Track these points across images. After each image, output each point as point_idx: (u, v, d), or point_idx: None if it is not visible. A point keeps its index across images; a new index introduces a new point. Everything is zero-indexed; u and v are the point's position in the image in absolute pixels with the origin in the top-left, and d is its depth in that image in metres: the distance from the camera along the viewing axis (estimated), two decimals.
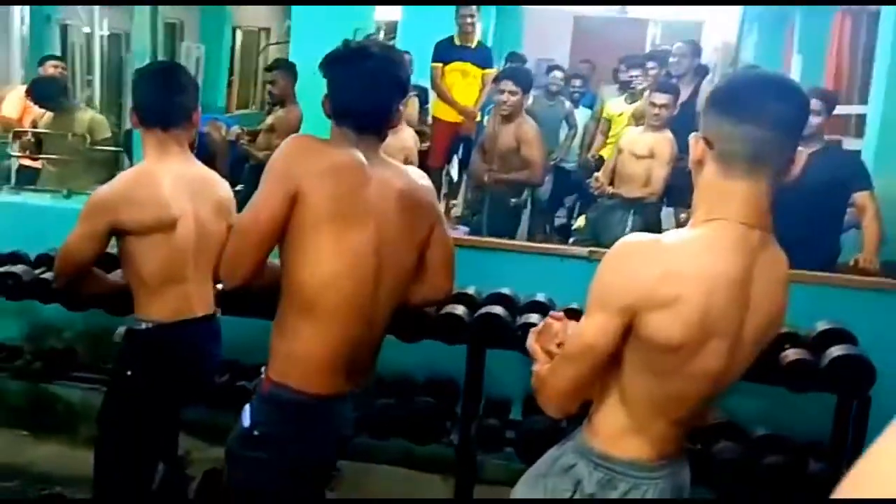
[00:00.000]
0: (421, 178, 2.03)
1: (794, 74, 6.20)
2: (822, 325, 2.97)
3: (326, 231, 1.81)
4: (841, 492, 0.60)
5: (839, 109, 5.61)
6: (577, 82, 6.71)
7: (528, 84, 4.81)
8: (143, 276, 2.38)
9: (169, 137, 2.41)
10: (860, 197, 3.85)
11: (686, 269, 1.47)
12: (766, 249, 1.53)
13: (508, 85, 4.60)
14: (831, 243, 3.91)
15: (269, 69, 5.18)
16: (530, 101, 5.56)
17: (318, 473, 2.08)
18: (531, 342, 1.71)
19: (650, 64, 5.75)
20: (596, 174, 4.75)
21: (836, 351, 2.78)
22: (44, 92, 4.97)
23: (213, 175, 2.57)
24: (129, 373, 2.45)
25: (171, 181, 2.38)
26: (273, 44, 9.56)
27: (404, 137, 4.49)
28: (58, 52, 7.34)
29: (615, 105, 5.98)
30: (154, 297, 2.40)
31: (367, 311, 1.90)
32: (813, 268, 3.36)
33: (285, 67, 4.93)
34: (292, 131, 4.72)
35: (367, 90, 1.89)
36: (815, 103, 3.88)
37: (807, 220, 3.82)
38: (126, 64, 8.07)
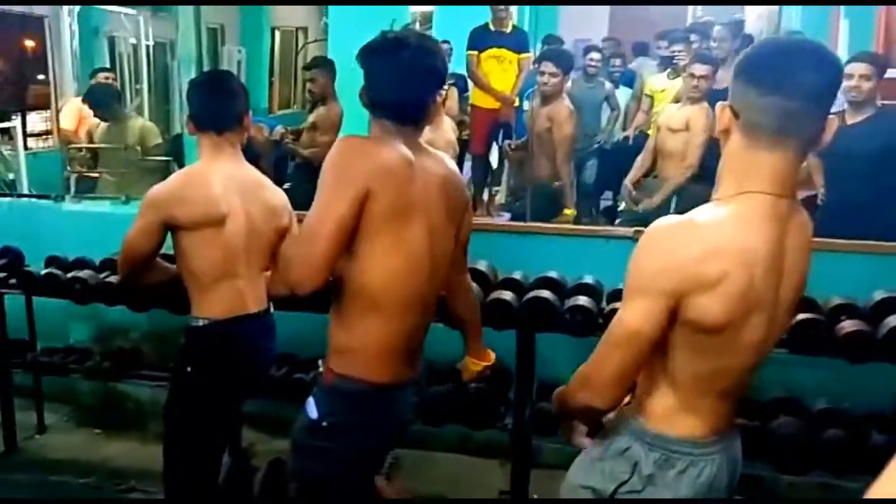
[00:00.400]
0: (452, 165, 2.09)
1: (842, 39, 6.04)
2: (879, 295, 2.91)
3: (387, 230, 1.85)
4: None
5: (892, 73, 5.47)
6: (617, 62, 6.64)
7: (568, 65, 4.79)
8: (196, 271, 2.48)
9: (222, 140, 2.53)
10: None
11: (725, 246, 1.44)
12: (793, 217, 1.52)
13: (549, 66, 4.61)
14: (891, 212, 3.81)
15: (307, 68, 5.23)
16: (569, 83, 5.55)
17: (379, 459, 2.16)
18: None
19: (693, 37, 5.66)
20: (625, 183, 4.71)
21: (893, 321, 2.73)
22: (99, 99, 5.14)
23: (265, 179, 2.67)
24: (188, 369, 2.54)
25: (221, 180, 2.48)
26: (311, 42, 9.66)
27: (445, 129, 4.52)
28: (107, 64, 7.56)
29: (658, 81, 5.91)
30: (208, 293, 2.49)
31: (424, 301, 1.98)
32: (875, 237, 3.29)
33: (323, 65, 4.99)
34: (335, 128, 4.79)
35: (405, 81, 1.89)
36: (864, 67, 3.80)
37: (864, 187, 3.75)
38: (171, 71, 8.25)
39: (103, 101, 5.12)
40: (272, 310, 2.66)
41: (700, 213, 1.51)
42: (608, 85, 5.92)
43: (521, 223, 3.90)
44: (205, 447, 2.58)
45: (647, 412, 1.63)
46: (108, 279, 3.53)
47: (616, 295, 2.92)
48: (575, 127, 4.80)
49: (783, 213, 1.48)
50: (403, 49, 1.88)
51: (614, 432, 1.68)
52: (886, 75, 4.36)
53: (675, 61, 5.64)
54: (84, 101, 5.26)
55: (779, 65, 1.44)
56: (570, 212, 4.73)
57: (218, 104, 2.55)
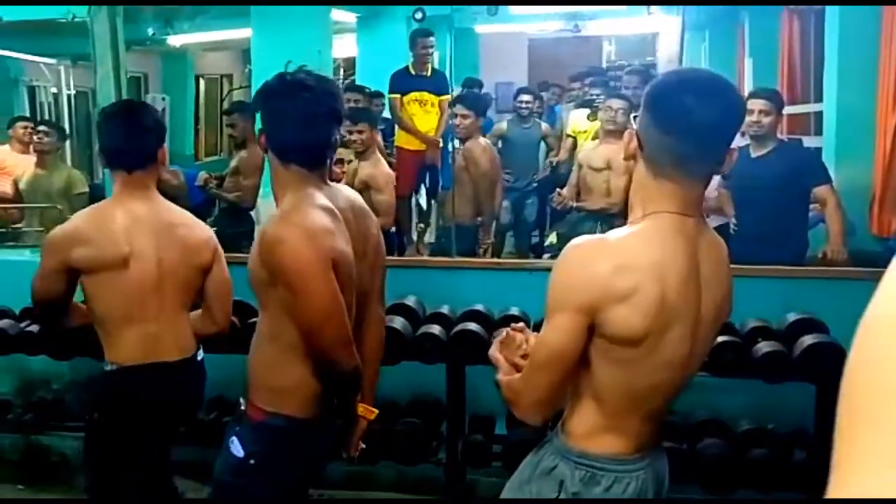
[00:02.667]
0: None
1: (747, 77, 6.36)
2: (792, 317, 3.04)
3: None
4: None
5: (797, 108, 5.78)
6: (536, 103, 6.81)
7: (480, 107, 5.03)
8: (101, 315, 2.39)
9: (133, 179, 2.42)
10: (820, 191, 3.95)
11: (634, 260, 1.51)
12: (703, 234, 1.61)
13: (461, 109, 4.89)
14: (798, 238, 4.00)
15: (226, 112, 5.26)
16: (504, 125, 5.74)
17: (303, 496, 2.17)
18: (493, 352, 1.74)
19: (615, 80, 5.91)
20: (558, 189, 4.84)
21: (807, 340, 2.85)
22: (52, 125, 5.32)
23: (184, 216, 2.55)
24: (95, 415, 2.47)
25: (126, 219, 2.38)
26: (235, 89, 9.65)
27: (383, 164, 4.62)
28: (27, 113, 7.41)
29: (580, 122, 6.09)
30: (114, 338, 2.40)
31: None
32: (783, 262, 3.45)
33: (243, 109, 5.01)
34: (257, 171, 4.81)
35: (311, 123, 1.90)
36: (763, 103, 4.00)
37: (770, 216, 3.93)
38: (93, 120, 8.11)
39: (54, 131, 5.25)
40: (200, 355, 2.56)
41: (611, 233, 1.61)
42: (544, 125, 6.09)
43: (447, 258, 3.96)
44: (123, 494, 2.49)
45: (572, 430, 1.66)
46: (28, 328, 3.44)
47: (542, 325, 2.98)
48: (491, 163, 4.93)
49: (690, 230, 1.57)
50: (305, 91, 1.89)
51: (542, 451, 1.72)
52: (791, 111, 4.63)
53: (595, 104, 5.84)
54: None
55: (676, 104, 1.50)
56: (486, 246, 4.89)
57: (128, 141, 2.43)
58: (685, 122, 1.48)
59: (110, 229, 2.37)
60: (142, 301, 2.39)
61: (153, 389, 2.42)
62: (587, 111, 6.04)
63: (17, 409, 3.56)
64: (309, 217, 1.86)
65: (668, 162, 1.53)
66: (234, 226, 4.77)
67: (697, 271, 1.57)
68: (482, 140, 4.96)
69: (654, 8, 6.85)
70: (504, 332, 1.80)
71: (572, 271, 1.55)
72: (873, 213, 4.74)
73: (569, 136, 6.12)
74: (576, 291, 1.52)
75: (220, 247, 2.55)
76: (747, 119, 4.05)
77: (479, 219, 4.88)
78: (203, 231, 2.58)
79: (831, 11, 5.03)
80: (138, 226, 2.39)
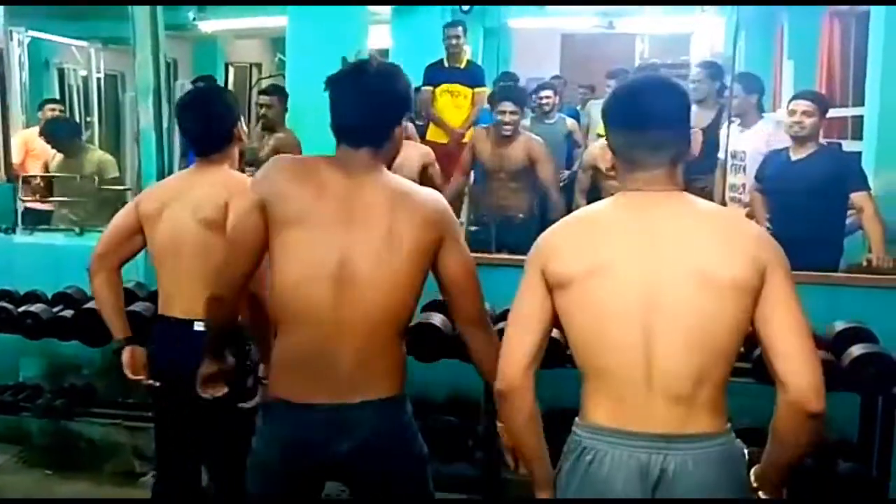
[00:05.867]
0: (420, 193, 1.94)
1: (787, 80, 6.27)
2: (840, 326, 2.97)
3: (279, 241, 1.85)
4: None
5: (836, 112, 5.68)
6: (557, 97, 6.67)
7: (524, 101, 4.86)
8: None
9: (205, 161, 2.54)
10: (857, 197, 3.88)
11: (573, 220, 1.75)
12: (669, 204, 1.65)
13: (508, 105, 4.60)
14: (834, 244, 3.93)
15: (263, 93, 5.15)
16: (527, 121, 5.61)
17: (278, 482, 1.92)
18: None
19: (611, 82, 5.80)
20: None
21: (856, 350, 2.79)
22: (57, 132, 5.05)
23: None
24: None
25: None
26: (264, 78, 9.62)
27: (411, 161, 4.51)
28: (56, 96, 7.41)
29: None
30: None
31: (327, 317, 1.83)
32: (817, 268, 3.38)
33: (279, 92, 4.98)
34: (297, 151, 4.80)
35: (356, 104, 1.87)
36: (806, 105, 3.93)
37: (806, 221, 3.86)
38: (122, 104, 8.12)
39: (60, 134, 5.04)
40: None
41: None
42: (570, 121, 5.97)
43: (486, 254, 3.89)
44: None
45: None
46: (60, 313, 3.43)
47: None
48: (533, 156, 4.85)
49: (645, 200, 1.64)
50: (361, 74, 1.87)
51: None
52: (829, 114, 4.54)
53: None
54: (41, 134, 5.15)
55: (625, 110, 1.69)
56: None
57: (195, 131, 2.55)
58: (637, 119, 1.65)
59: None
60: (159, 262, 2.53)
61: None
62: None
63: (46, 394, 3.55)
64: (277, 158, 1.98)
65: (629, 157, 1.67)
66: None
67: (650, 234, 1.60)
68: (538, 138, 4.79)
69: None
70: None
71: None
72: None
73: (599, 135, 6.04)
74: (532, 253, 1.71)
75: None
76: (789, 119, 4.00)
77: (521, 216, 4.77)
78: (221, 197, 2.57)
79: (877, 13, 4.93)
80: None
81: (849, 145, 5.41)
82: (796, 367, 1.54)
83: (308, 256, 1.81)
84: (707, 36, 7.92)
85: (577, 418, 1.68)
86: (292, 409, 1.86)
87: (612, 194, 4.34)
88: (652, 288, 1.57)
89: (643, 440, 1.57)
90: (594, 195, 4.72)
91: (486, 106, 5.30)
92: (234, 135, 2.54)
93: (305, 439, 1.85)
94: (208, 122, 2.51)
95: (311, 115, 5.26)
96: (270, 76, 9.28)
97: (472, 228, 4.92)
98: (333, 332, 1.82)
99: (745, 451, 1.66)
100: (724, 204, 4.57)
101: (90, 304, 3.16)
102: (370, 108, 1.86)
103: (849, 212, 4.02)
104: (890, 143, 4.78)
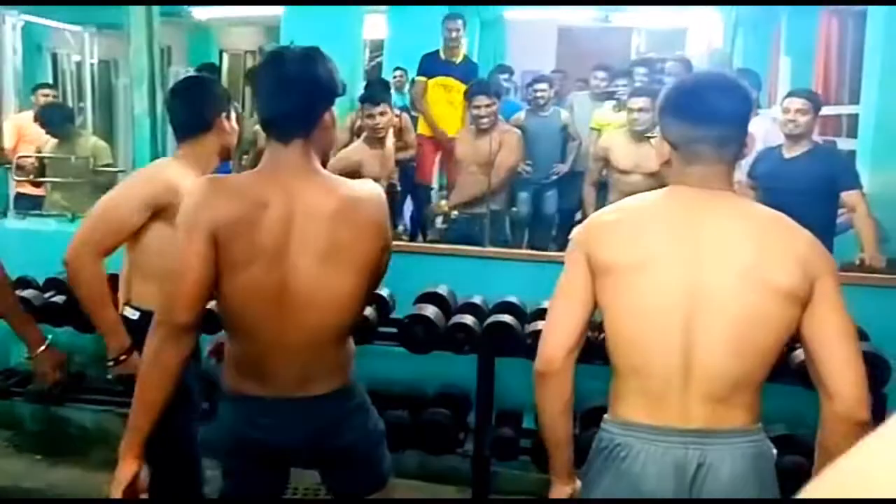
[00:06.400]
0: (353, 191, 1.86)
1: (783, 77, 6.27)
2: None
3: (228, 271, 1.79)
4: (810, 488, 0.61)
5: (831, 110, 5.69)
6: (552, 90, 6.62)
7: (499, 91, 4.85)
8: None
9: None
10: (850, 196, 3.90)
11: (619, 208, 1.72)
12: (717, 203, 1.63)
13: (482, 100, 4.61)
14: (823, 243, 3.94)
15: None
16: (522, 114, 5.60)
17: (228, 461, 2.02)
18: None
19: (640, 71, 5.77)
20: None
21: None
22: (52, 117, 5.02)
23: None
24: None
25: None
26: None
27: (388, 153, 4.48)
28: (50, 81, 7.37)
29: (604, 114, 5.94)
30: None
31: (280, 328, 1.82)
32: None
33: None
34: None
35: (276, 92, 1.81)
36: (801, 103, 3.94)
37: (797, 218, 3.86)
38: (116, 90, 8.08)
39: (56, 120, 5.01)
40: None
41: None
42: (564, 114, 5.93)
43: (478, 248, 3.88)
44: None
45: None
46: (52, 299, 3.42)
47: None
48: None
49: (697, 197, 1.62)
50: (279, 62, 1.83)
51: None
52: (824, 112, 4.54)
53: (617, 95, 5.73)
54: (36, 119, 5.12)
55: (697, 102, 1.64)
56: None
57: (175, 115, 2.55)
58: (709, 113, 1.62)
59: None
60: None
61: None
62: (612, 103, 5.92)
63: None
64: (211, 185, 1.87)
65: (700, 154, 1.64)
66: None
67: (696, 231, 1.59)
68: (514, 129, 4.81)
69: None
70: None
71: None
72: None
73: (593, 129, 5.99)
74: (577, 235, 1.71)
75: None
76: (783, 117, 4.01)
77: (514, 210, 4.76)
78: None
79: (875, 12, 4.93)
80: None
81: (843, 143, 5.43)
82: (843, 378, 1.55)
83: (252, 282, 1.76)
84: (704, 32, 7.93)
85: (605, 415, 1.68)
86: (248, 400, 1.89)
87: (620, 188, 4.38)
88: (696, 288, 1.56)
89: (678, 436, 1.57)
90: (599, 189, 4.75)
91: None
92: (212, 124, 2.47)
93: (251, 427, 1.90)
94: (185, 109, 2.50)
95: None
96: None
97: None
98: (279, 348, 1.82)
99: (774, 451, 1.67)
100: None
101: None
102: (293, 94, 1.80)
103: (840, 210, 4.04)
104: (885, 142, 4.80)
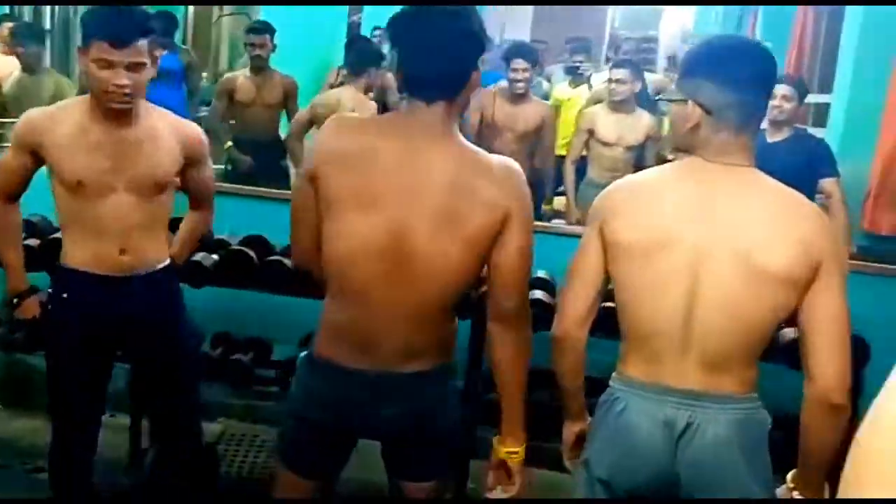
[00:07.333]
0: (486, 170, 1.74)
1: None
2: None
3: (333, 215, 1.75)
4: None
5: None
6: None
7: (535, 57, 4.78)
8: None
9: None
10: (827, 183, 3.99)
11: (631, 183, 1.77)
12: (733, 177, 1.66)
13: (519, 63, 4.52)
14: None
15: (254, 31, 4.91)
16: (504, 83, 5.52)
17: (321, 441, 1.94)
18: None
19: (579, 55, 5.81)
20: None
21: None
22: (25, 35, 4.87)
23: None
24: None
25: None
26: (226, 15, 9.30)
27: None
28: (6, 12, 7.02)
29: (563, 90, 5.94)
30: None
31: (380, 295, 1.76)
32: None
33: (270, 30, 4.81)
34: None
35: (432, 50, 1.69)
36: (786, 89, 4.00)
37: None
38: (73, 27, 7.76)
39: (29, 37, 4.85)
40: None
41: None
42: (545, 84, 5.95)
43: None
44: None
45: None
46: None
47: None
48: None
49: (712, 175, 1.65)
50: (431, 14, 1.70)
51: None
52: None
53: (579, 71, 5.75)
54: (11, 35, 4.94)
55: (736, 64, 1.64)
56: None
57: None
58: (746, 73, 1.62)
59: None
60: None
61: None
62: (569, 78, 5.92)
63: (4, 324, 3.39)
64: (333, 122, 1.86)
65: (734, 117, 1.64)
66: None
67: (709, 206, 1.63)
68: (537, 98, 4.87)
69: None
70: None
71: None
72: (867, 209, 4.81)
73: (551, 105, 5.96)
74: (594, 208, 1.77)
75: None
76: (770, 103, 4.07)
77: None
78: None
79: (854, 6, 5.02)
80: None
81: (810, 131, 5.53)
82: (828, 365, 1.61)
83: (363, 231, 1.70)
84: (678, 13, 7.98)
85: (614, 374, 1.78)
86: (339, 370, 1.82)
87: (600, 163, 4.40)
88: (702, 263, 1.62)
89: (672, 395, 1.67)
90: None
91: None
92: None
93: (349, 400, 1.83)
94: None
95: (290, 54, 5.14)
96: (232, 14, 8.98)
97: None
98: (383, 309, 1.75)
99: (769, 420, 1.72)
100: None
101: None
102: (448, 51, 1.68)
103: (817, 196, 4.12)
104: (856, 132, 4.93)
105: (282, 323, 3.17)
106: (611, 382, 1.78)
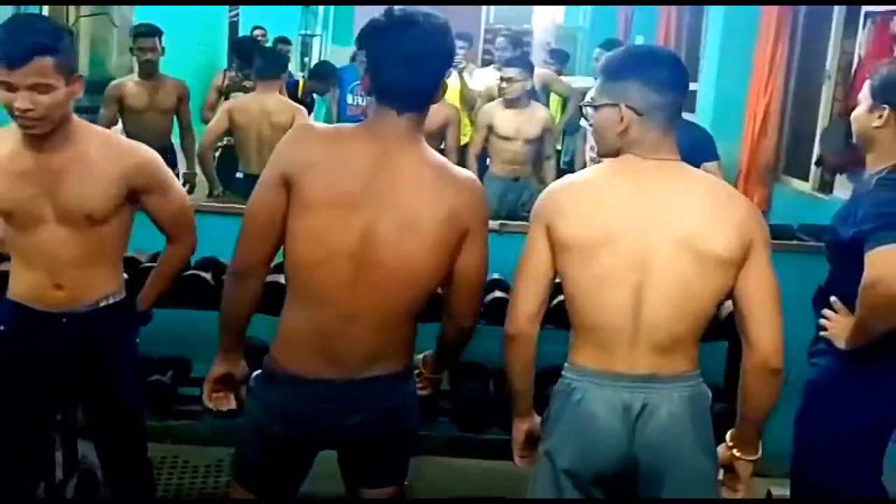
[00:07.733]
0: (455, 179, 1.78)
1: None
2: None
3: (300, 218, 1.74)
4: None
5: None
6: None
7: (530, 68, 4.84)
8: None
9: None
10: (709, 166, 4.24)
11: (574, 182, 1.84)
12: (665, 172, 1.76)
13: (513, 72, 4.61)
14: None
15: (142, 35, 4.59)
16: None
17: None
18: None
19: (460, 44, 5.91)
20: None
21: (728, 304, 3.06)
22: None
23: None
24: None
25: None
26: (85, 16, 8.80)
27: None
28: None
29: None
30: None
31: (343, 298, 1.76)
32: None
33: (160, 33, 4.60)
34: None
35: (408, 63, 1.69)
36: None
37: None
38: None
39: None
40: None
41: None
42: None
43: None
44: None
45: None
46: None
47: None
48: None
49: (648, 169, 1.75)
50: (410, 27, 1.69)
51: None
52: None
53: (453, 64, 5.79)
54: None
55: (670, 69, 1.76)
56: None
57: None
58: (670, 77, 1.75)
59: None
60: None
61: None
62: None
63: None
64: (303, 127, 1.92)
65: (661, 117, 1.75)
66: None
67: (644, 201, 1.72)
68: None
69: None
70: None
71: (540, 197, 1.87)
72: (738, 186, 5.18)
73: None
74: (537, 210, 1.82)
75: None
76: None
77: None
78: None
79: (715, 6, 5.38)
80: None
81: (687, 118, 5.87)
82: (766, 332, 1.73)
83: (329, 235, 1.71)
84: (549, 7, 8.21)
85: (566, 364, 1.83)
86: (303, 382, 1.79)
87: (502, 157, 4.43)
88: (645, 254, 1.71)
89: (626, 381, 1.74)
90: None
91: None
92: None
93: (317, 412, 1.81)
94: None
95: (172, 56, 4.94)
96: (92, 14, 8.50)
97: None
98: (348, 314, 1.75)
99: (709, 393, 1.85)
100: (583, 165, 4.86)
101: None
102: (426, 66, 1.71)
103: None
104: (724, 115, 5.30)
105: (199, 338, 3.07)
106: (563, 372, 1.83)
